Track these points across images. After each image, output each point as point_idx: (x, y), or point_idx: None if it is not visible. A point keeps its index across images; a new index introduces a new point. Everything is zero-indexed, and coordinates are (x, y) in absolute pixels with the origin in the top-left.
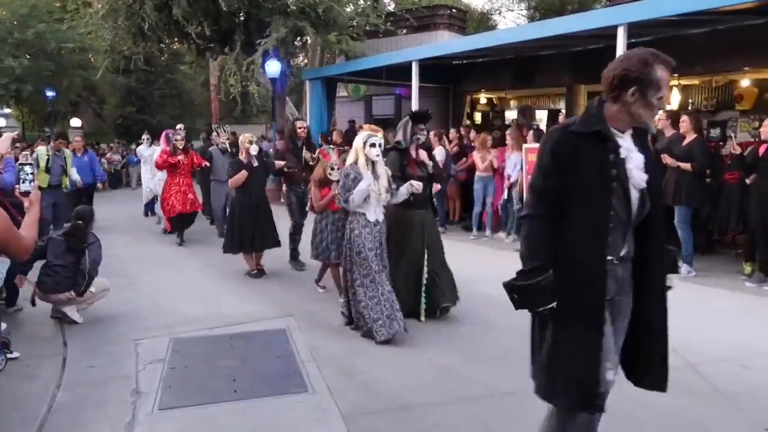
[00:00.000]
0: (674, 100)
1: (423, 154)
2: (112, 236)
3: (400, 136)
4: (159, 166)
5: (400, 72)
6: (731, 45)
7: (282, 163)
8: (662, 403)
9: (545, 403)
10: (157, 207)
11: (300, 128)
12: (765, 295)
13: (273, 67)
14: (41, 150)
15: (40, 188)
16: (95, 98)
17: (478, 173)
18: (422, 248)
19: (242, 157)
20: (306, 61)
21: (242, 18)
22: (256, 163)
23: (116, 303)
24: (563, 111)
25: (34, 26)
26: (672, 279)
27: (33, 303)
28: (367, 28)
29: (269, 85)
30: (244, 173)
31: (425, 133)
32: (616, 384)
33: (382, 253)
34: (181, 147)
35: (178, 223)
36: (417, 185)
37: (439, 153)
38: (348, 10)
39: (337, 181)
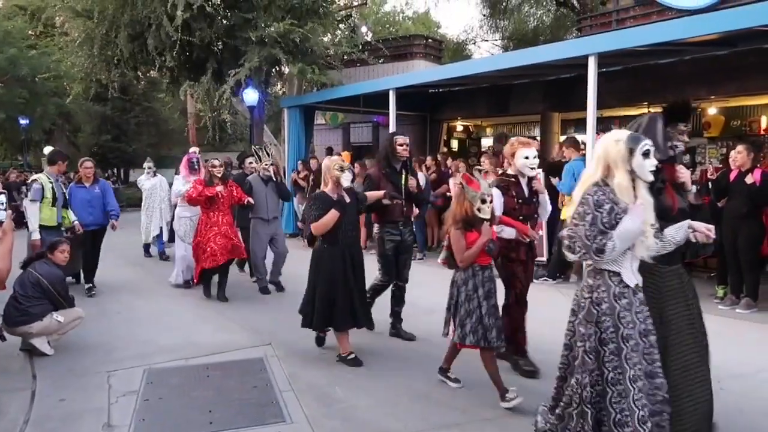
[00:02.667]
0: None
1: (684, 173)
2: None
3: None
4: (193, 201)
5: (378, 100)
6: (697, 74)
7: (380, 193)
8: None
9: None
10: (178, 251)
11: (401, 145)
12: (738, 317)
13: (250, 96)
14: (43, 178)
15: (45, 227)
16: (70, 126)
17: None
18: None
19: (327, 189)
20: (284, 89)
21: (220, 47)
22: (348, 199)
23: (88, 333)
24: (538, 138)
25: (6, 52)
26: None
27: (2, 338)
28: (345, 57)
29: (247, 113)
30: (334, 214)
31: (686, 139)
32: None
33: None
34: (219, 175)
35: (209, 274)
36: (705, 229)
37: (420, 179)
38: (325, 39)
39: (488, 220)
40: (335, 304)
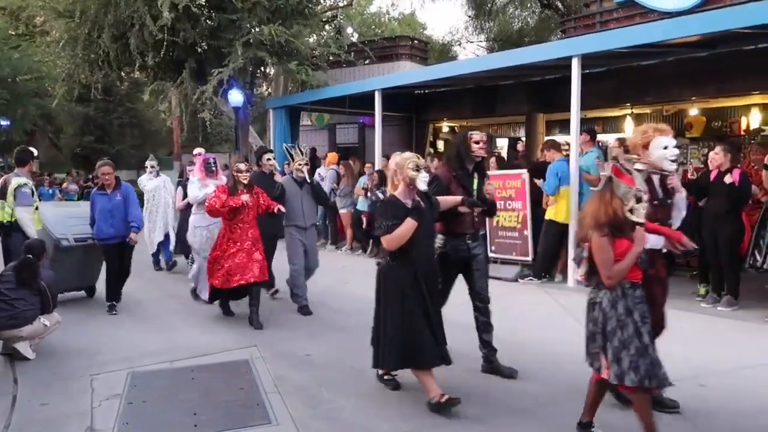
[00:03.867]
0: (628, 128)
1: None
2: None
3: None
4: (214, 212)
5: (364, 101)
6: (679, 76)
7: (456, 199)
8: (623, 423)
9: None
10: (195, 266)
11: (477, 143)
12: (719, 315)
13: (235, 97)
14: (26, 180)
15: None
16: (52, 127)
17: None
18: None
19: (397, 193)
20: (270, 90)
21: (204, 48)
22: (423, 204)
23: (71, 336)
24: (523, 139)
25: None
26: None
27: None
28: (330, 58)
29: (232, 114)
30: (412, 224)
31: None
32: (572, 404)
33: None
34: (245, 182)
35: (227, 295)
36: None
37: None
38: (310, 40)
39: (641, 224)
40: (415, 337)
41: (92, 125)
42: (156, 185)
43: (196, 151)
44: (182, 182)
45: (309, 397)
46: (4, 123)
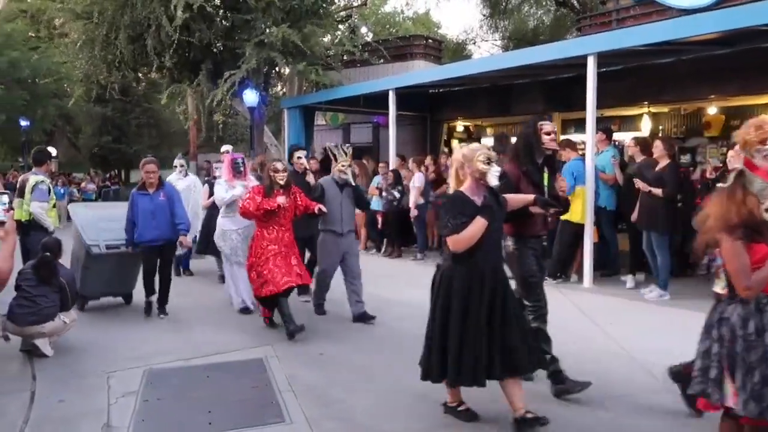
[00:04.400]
0: (645, 127)
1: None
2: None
3: None
4: (248, 214)
5: (378, 100)
6: (697, 74)
7: (528, 197)
8: (643, 425)
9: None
10: (226, 272)
11: (548, 134)
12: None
13: (250, 97)
14: (44, 178)
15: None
16: (70, 128)
17: None
18: None
19: (465, 189)
20: (284, 90)
21: (220, 48)
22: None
23: (88, 334)
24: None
25: (8, 55)
26: (647, 302)
27: (6, 338)
28: (345, 58)
29: (248, 114)
30: (481, 223)
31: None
32: (593, 408)
33: None
34: (282, 183)
35: (271, 302)
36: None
37: (418, 179)
38: (325, 40)
39: None
40: (477, 345)
41: (110, 125)
42: (186, 185)
43: (224, 148)
44: (209, 180)
45: (322, 396)
46: (25, 123)
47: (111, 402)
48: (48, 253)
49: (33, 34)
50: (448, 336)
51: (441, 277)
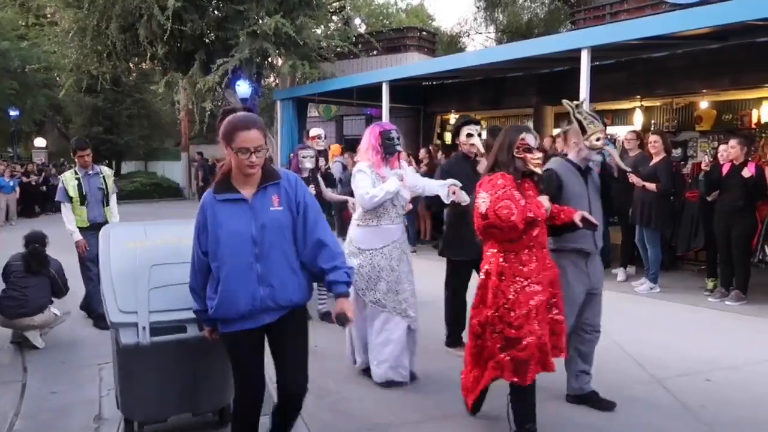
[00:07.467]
0: (637, 120)
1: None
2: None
3: None
4: (502, 229)
5: (371, 92)
6: (690, 68)
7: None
8: (628, 418)
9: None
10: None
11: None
12: (727, 309)
13: (243, 88)
14: (67, 176)
15: (80, 228)
16: (61, 118)
17: None
18: None
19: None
20: (277, 81)
21: (212, 39)
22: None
23: (79, 326)
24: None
25: None
26: (637, 295)
27: None
28: (338, 49)
29: (240, 105)
30: None
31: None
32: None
33: None
34: (539, 170)
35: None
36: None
37: (411, 172)
38: (318, 32)
39: None
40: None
41: (101, 116)
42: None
43: (314, 132)
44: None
45: (315, 388)
46: (14, 113)
47: (102, 394)
48: (37, 245)
49: (22, 23)
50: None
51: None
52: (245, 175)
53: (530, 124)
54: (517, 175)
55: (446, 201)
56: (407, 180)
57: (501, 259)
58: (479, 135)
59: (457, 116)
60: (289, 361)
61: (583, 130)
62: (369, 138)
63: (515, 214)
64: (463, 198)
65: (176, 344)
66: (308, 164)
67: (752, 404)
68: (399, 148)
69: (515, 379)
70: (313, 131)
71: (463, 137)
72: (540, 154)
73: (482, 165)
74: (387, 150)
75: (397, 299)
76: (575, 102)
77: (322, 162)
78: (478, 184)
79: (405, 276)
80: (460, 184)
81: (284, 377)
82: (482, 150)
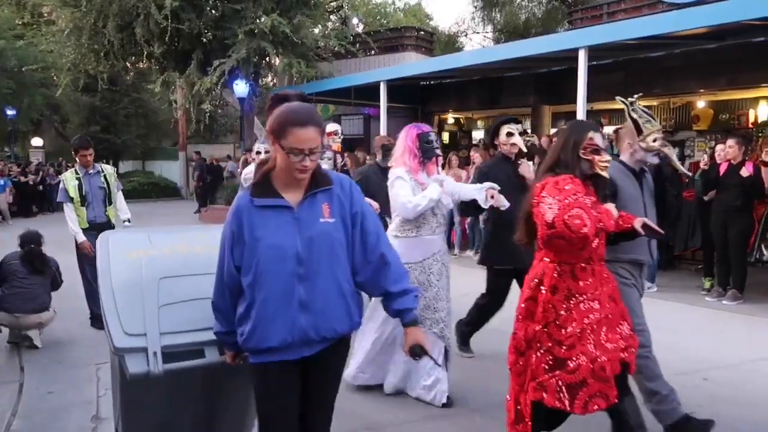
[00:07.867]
0: None
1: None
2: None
3: None
4: (571, 240)
5: (369, 92)
6: (687, 68)
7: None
8: None
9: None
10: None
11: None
12: (724, 309)
13: (240, 87)
14: (67, 176)
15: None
16: (58, 117)
17: None
18: None
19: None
20: (274, 81)
21: (210, 38)
22: None
23: (76, 326)
24: (529, 130)
25: None
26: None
27: None
28: (335, 49)
29: (238, 105)
30: None
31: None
32: None
33: None
34: (605, 173)
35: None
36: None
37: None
38: (315, 31)
39: None
40: None
41: (98, 115)
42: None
43: (331, 128)
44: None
45: None
46: (11, 113)
47: (100, 394)
48: (33, 245)
49: (19, 22)
50: None
51: None
52: (294, 179)
53: (528, 124)
54: (581, 179)
55: (484, 206)
56: (446, 186)
57: (555, 273)
58: (520, 134)
59: (455, 116)
60: (315, 403)
61: (639, 130)
62: (405, 141)
63: (587, 226)
64: (502, 203)
65: (191, 371)
66: (326, 166)
67: (749, 403)
68: (438, 152)
69: (557, 404)
70: (330, 126)
71: (502, 137)
72: (608, 157)
73: (524, 167)
74: (425, 154)
75: (435, 318)
76: (629, 99)
77: (339, 160)
78: (540, 186)
79: (444, 293)
80: (498, 188)
81: (303, 429)
82: (524, 149)
